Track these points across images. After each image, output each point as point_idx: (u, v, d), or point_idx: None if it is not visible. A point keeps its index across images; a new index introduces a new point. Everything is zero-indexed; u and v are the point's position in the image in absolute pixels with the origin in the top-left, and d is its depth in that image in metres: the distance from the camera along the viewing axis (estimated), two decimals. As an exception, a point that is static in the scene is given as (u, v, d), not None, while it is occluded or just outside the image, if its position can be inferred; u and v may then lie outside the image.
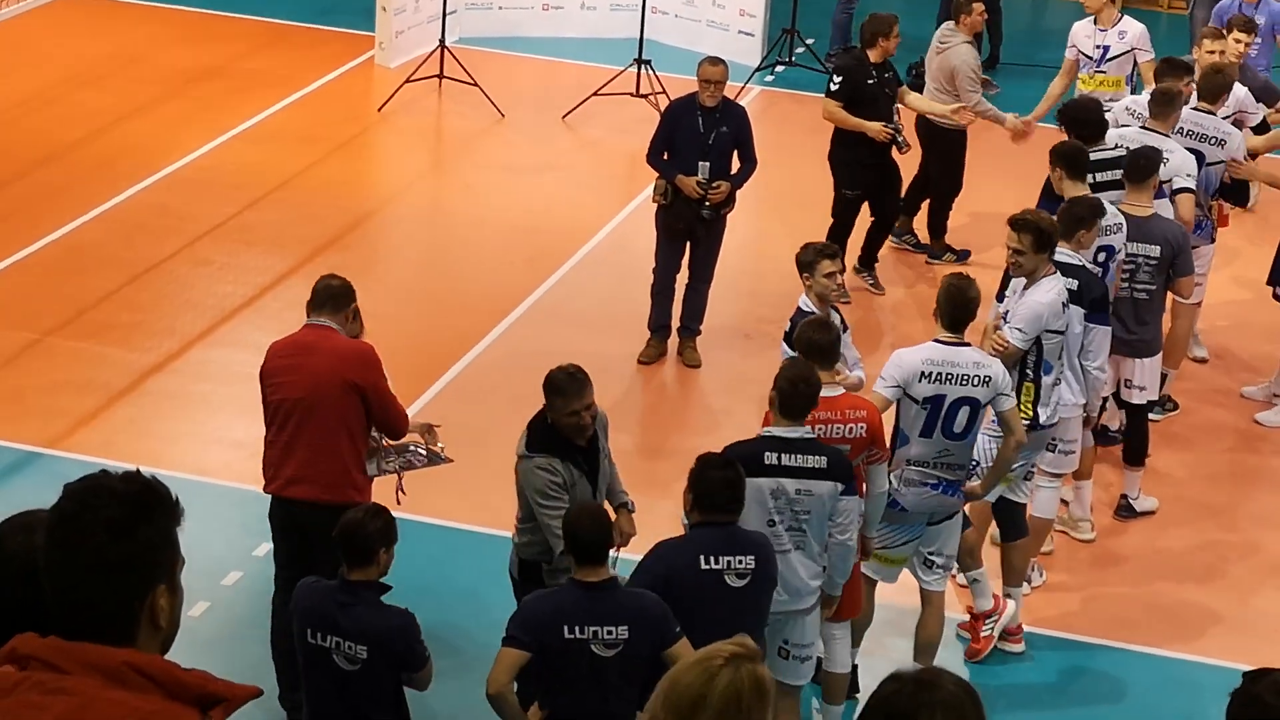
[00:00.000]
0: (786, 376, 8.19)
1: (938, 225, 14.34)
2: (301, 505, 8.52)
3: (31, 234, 13.78)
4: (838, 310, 9.81)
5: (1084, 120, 11.29)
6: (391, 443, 8.98)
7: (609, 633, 7.19)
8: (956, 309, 8.94)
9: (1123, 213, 10.69)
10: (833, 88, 13.27)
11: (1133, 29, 14.11)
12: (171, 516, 3.25)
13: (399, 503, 8.74)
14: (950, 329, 8.93)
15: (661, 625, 7.25)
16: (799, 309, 9.46)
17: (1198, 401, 12.59)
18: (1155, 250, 10.72)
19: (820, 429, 8.38)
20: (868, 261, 13.84)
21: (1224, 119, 12.20)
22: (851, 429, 8.52)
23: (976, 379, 8.84)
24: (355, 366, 8.50)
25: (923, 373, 8.81)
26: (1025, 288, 9.48)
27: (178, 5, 18.90)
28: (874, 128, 13.12)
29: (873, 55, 13.25)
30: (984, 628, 9.76)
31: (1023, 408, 9.43)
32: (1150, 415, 11.37)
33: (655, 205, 12.42)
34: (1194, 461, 11.96)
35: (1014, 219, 9.48)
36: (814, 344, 8.58)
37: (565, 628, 7.18)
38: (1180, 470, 11.82)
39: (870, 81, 13.18)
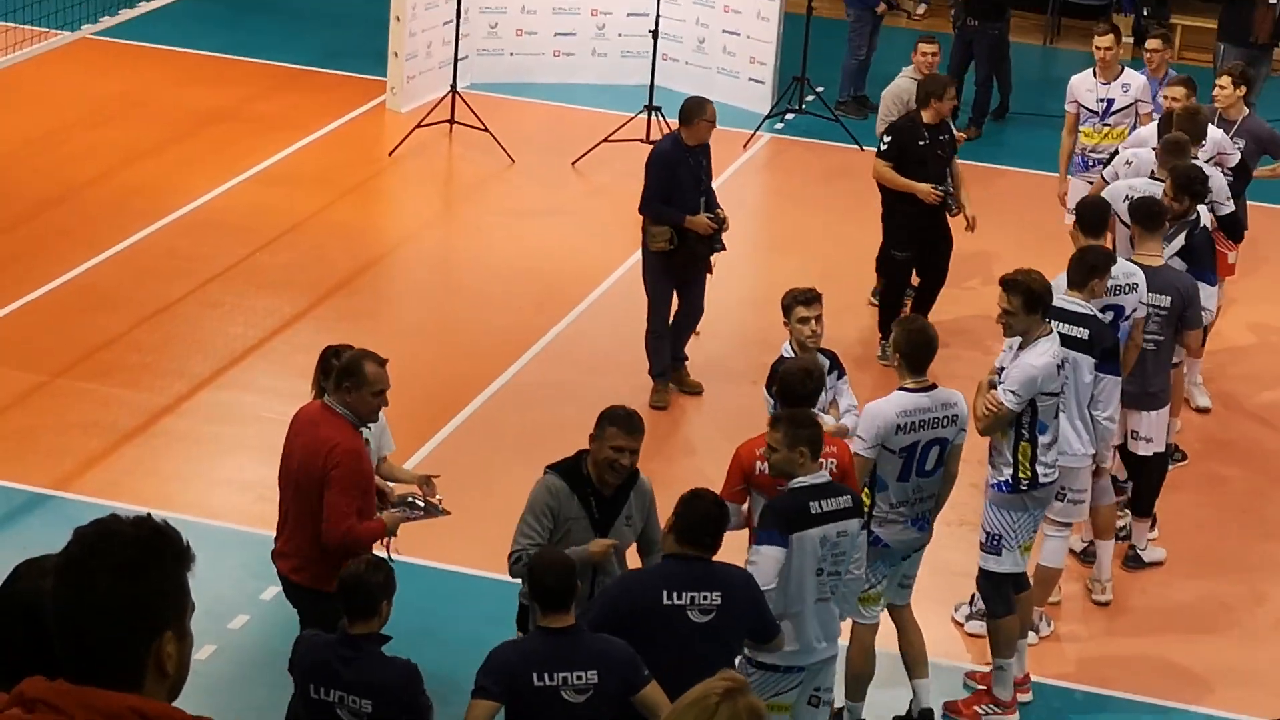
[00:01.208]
0: (803, 421, 8.20)
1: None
2: (282, 576, 8.71)
3: (42, 275, 13.81)
4: (828, 355, 9.79)
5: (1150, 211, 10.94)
6: (392, 492, 8.95)
7: (579, 678, 7.19)
8: (918, 350, 8.96)
9: (1134, 263, 10.62)
10: (882, 148, 13.14)
11: (1136, 81, 14.08)
12: (182, 562, 3.24)
13: (391, 556, 8.74)
14: (915, 373, 8.95)
15: (628, 669, 7.25)
16: (781, 356, 9.51)
17: (1203, 451, 12.56)
18: (1166, 300, 10.65)
19: None
20: None
21: (1205, 162, 12.12)
22: (821, 464, 8.51)
23: (946, 419, 8.94)
24: (326, 460, 8.28)
25: (898, 425, 8.86)
26: (1020, 347, 9.32)
27: (189, 48, 18.97)
28: (923, 189, 12.93)
29: (926, 116, 13.04)
30: (983, 708, 9.61)
31: (1021, 468, 9.36)
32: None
33: (652, 254, 12.35)
34: (1201, 512, 11.93)
35: (1005, 279, 9.28)
36: (793, 394, 8.71)
37: (534, 675, 7.16)
38: (1188, 521, 11.78)
39: (922, 143, 12.97)
